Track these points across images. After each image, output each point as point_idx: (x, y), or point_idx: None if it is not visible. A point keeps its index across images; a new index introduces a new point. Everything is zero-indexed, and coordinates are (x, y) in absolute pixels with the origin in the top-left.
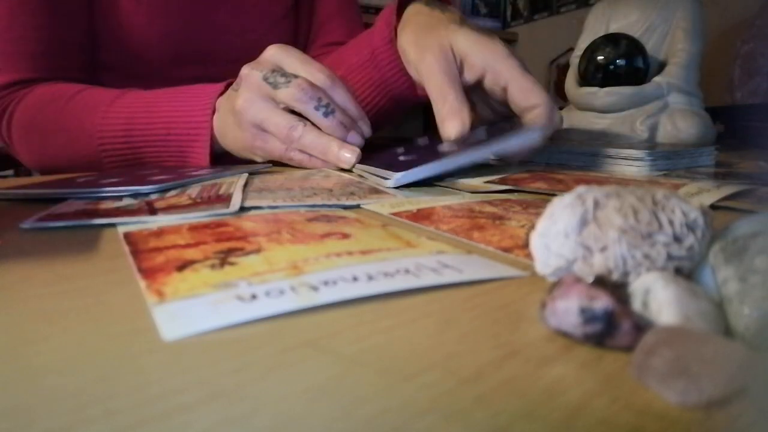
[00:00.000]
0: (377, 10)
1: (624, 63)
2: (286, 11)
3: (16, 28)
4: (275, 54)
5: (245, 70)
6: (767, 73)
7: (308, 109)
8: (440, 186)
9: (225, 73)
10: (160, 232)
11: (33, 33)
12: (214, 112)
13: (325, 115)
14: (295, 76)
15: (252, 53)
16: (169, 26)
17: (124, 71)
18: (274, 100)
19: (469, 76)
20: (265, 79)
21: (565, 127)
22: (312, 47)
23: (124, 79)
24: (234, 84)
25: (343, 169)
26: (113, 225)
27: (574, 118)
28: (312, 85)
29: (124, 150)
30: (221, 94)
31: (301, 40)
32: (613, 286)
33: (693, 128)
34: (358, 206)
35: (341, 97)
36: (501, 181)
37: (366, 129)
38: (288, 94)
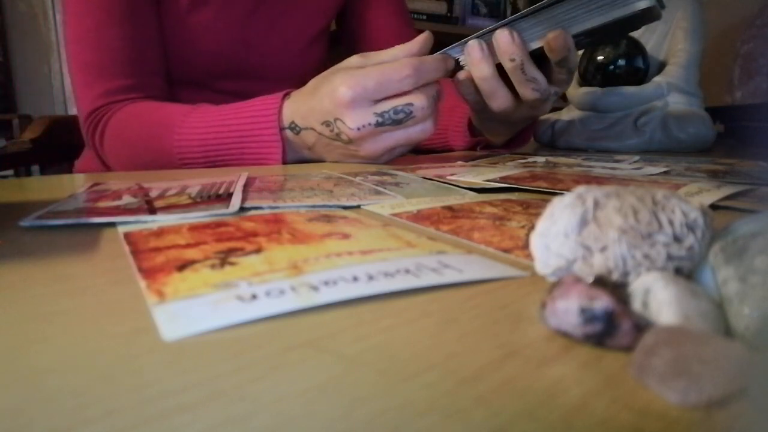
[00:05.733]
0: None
1: (624, 63)
2: (321, 30)
3: (106, 38)
4: (354, 87)
5: (351, 125)
6: (767, 73)
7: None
8: (441, 183)
9: (264, 88)
10: (160, 232)
11: (121, 42)
12: (281, 128)
13: (441, 98)
14: (409, 105)
15: (289, 70)
16: (214, 44)
17: (172, 80)
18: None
19: None
20: (380, 124)
21: (566, 125)
22: None
23: (173, 88)
24: (331, 134)
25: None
26: (113, 224)
27: (574, 118)
28: (425, 95)
29: (204, 165)
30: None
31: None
32: (613, 286)
33: (693, 128)
34: (358, 207)
35: (431, 72)
36: (502, 180)
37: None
38: (417, 120)
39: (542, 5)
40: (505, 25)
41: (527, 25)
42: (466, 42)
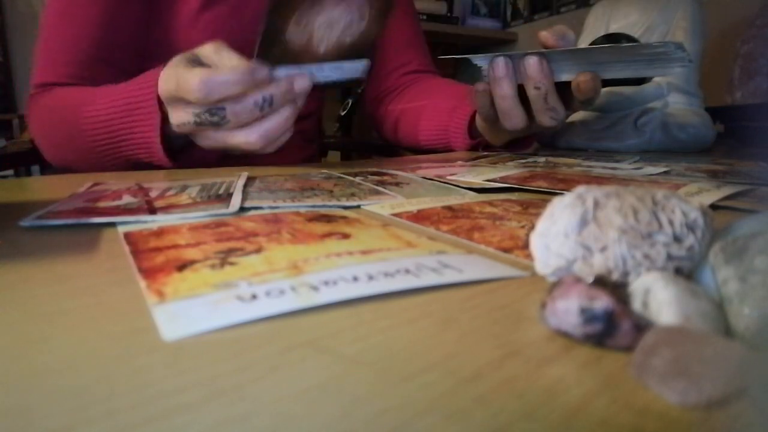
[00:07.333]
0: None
1: None
2: None
3: (64, 31)
4: (179, 83)
5: (173, 120)
6: (767, 73)
7: (255, 116)
8: (441, 183)
9: None
10: (160, 232)
11: (71, 42)
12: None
13: (266, 105)
14: (221, 108)
15: None
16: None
17: None
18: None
19: None
20: (198, 123)
21: (566, 125)
22: (393, 75)
23: None
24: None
25: (346, 173)
26: (113, 224)
27: (574, 118)
28: (241, 102)
29: (104, 141)
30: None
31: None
32: (613, 286)
33: (693, 128)
34: (358, 207)
35: (224, 86)
36: (502, 180)
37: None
38: (231, 125)
39: (581, 48)
40: (536, 52)
41: (560, 58)
42: (494, 56)
